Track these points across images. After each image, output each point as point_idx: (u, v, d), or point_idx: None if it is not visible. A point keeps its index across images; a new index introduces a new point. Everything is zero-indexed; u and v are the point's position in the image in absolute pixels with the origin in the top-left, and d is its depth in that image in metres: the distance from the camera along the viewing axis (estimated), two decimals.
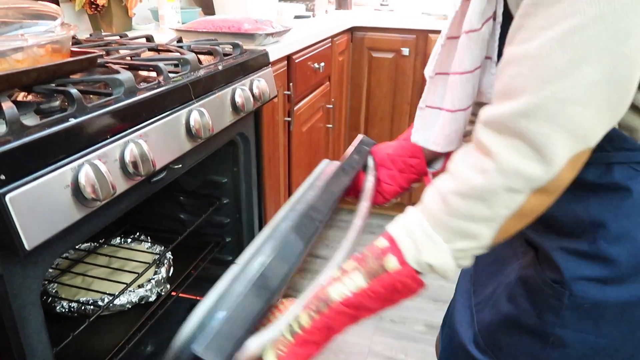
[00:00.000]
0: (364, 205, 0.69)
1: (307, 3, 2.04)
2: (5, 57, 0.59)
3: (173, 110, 0.78)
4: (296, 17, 1.92)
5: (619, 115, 0.47)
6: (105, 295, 0.97)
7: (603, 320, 0.57)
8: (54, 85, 0.66)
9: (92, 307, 0.94)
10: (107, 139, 0.64)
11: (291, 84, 1.46)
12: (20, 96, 0.69)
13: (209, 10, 1.83)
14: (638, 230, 0.54)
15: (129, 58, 0.89)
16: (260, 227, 1.25)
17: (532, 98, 0.45)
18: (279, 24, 1.31)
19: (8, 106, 0.55)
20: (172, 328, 0.72)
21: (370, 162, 0.78)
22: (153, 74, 0.87)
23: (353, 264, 0.54)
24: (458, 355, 0.74)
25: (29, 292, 0.57)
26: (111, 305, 0.98)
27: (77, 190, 0.58)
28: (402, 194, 0.79)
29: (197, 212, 1.19)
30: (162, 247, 1.19)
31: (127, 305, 1.01)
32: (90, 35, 1.20)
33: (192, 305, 1.09)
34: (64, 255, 1.10)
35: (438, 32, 0.69)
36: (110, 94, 0.70)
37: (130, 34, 1.22)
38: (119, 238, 1.20)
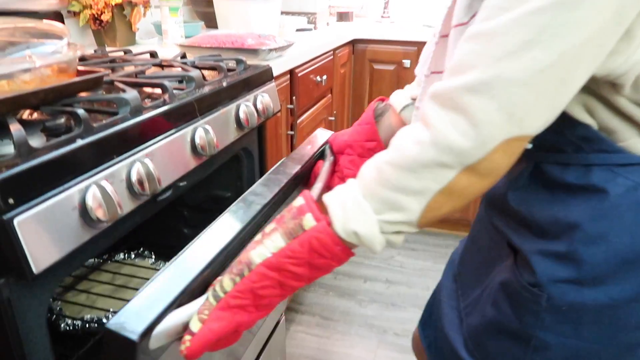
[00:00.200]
0: (317, 186, 0.69)
1: (308, 16, 2.05)
2: (13, 79, 0.59)
3: (179, 128, 0.78)
4: (298, 30, 1.93)
5: (556, 110, 0.47)
6: (110, 313, 0.97)
7: (582, 323, 0.57)
8: (60, 105, 0.67)
9: (96, 325, 0.94)
10: (114, 158, 0.64)
11: (294, 97, 1.47)
12: (26, 114, 0.69)
13: (211, 23, 1.84)
14: (614, 232, 0.54)
15: (134, 76, 0.89)
16: None
17: (481, 74, 0.45)
18: (282, 39, 1.31)
19: (16, 128, 0.55)
20: None
21: (327, 150, 0.81)
22: (158, 90, 0.87)
23: (273, 225, 0.54)
24: (446, 358, 0.74)
25: (35, 315, 0.57)
26: None
27: (84, 212, 0.57)
28: None
29: (201, 226, 1.18)
30: (166, 263, 1.18)
31: None
32: (95, 51, 1.20)
33: None
34: None
35: None
36: (116, 113, 0.70)
37: (134, 49, 1.22)
38: (123, 254, 1.20)
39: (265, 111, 1.05)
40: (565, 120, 0.53)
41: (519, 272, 0.61)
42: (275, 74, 1.18)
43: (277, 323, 1.39)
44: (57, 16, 1.27)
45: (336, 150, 0.81)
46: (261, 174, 1.19)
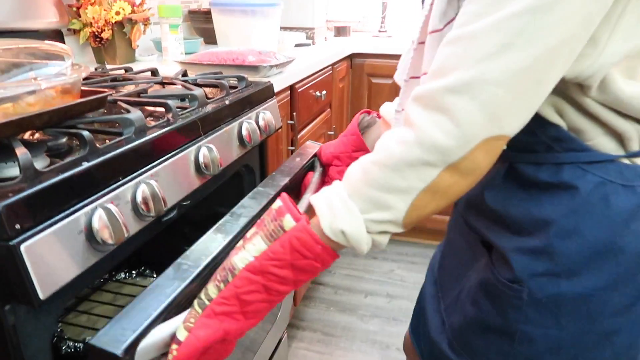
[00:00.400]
0: (307, 196, 0.69)
1: (306, 31, 2.06)
2: (18, 101, 0.59)
3: (183, 147, 0.78)
4: (297, 45, 1.93)
5: (531, 110, 0.49)
6: None
7: (561, 314, 0.59)
8: (65, 127, 0.66)
9: None
10: (119, 180, 0.63)
11: (294, 113, 1.47)
12: (27, 134, 0.68)
13: (210, 39, 1.85)
14: (585, 226, 0.57)
15: (137, 95, 0.89)
16: None
17: (462, 75, 0.47)
18: (282, 55, 1.32)
19: (22, 152, 0.54)
20: None
21: (317, 162, 0.83)
22: (161, 108, 0.87)
23: (253, 230, 0.54)
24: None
25: (40, 340, 0.56)
26: None
27: (90, 235, 0.57)
28: None
29: None
30: None
31: None
32: (96, 69, 1.20)
33: None
34: None
35: None
36: (121, 134, 0.69)
37: (134, 66, 1.22)
38: (124, 273, 1.19)
39: (267, 128, 1.05)
40: (537, 122, 0.55)
41: (497, 270, 0.63)
42: (275, 90, 1.18)
43: (280, 340, 1.38)
44: (57, 34, 1.27)
45: (325, 162, 0.83)
46: None
